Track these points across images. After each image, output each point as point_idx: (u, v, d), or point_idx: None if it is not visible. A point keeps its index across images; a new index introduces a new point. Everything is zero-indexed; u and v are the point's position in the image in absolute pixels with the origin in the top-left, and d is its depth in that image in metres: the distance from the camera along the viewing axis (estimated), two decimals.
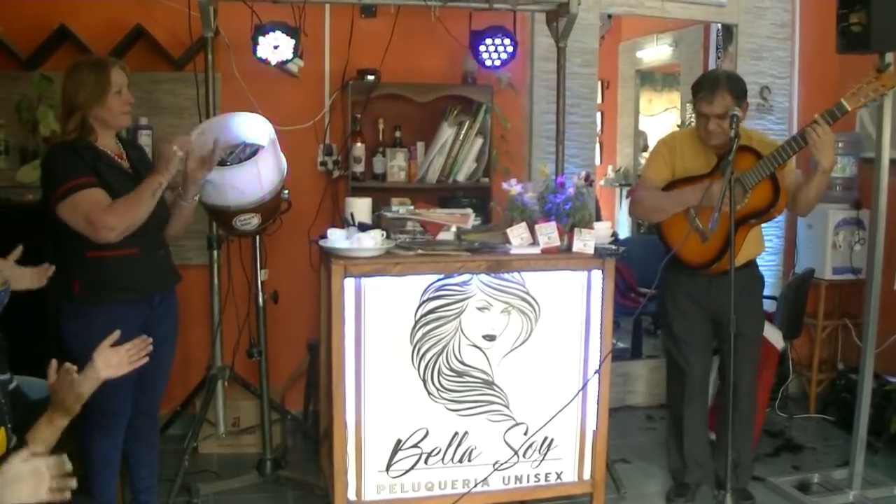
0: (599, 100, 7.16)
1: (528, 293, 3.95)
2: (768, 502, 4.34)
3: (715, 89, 3.86)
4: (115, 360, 2.75)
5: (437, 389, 3.92)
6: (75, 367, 2.60)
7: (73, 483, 2.21)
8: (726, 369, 3.97)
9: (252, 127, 3.79)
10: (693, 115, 7.60)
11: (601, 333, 4.04)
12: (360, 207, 4.11)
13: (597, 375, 4.06)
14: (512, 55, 4.75)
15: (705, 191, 3.72)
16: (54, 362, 2.62)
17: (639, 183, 4.27)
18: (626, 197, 8.94)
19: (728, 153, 3.53)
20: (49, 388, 2.60)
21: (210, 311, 4.63)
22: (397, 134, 5.17)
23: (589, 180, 4.13)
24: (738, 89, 3.87)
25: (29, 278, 3.09)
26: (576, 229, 3.93)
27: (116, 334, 2.75)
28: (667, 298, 4.20)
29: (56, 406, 2.57)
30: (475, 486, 4.01)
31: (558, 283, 4.00)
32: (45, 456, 2.22)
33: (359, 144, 5.04)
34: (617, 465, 4.60)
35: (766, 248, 4.32)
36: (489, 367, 3.96)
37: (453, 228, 4.08)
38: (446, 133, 5.10)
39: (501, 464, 4.03)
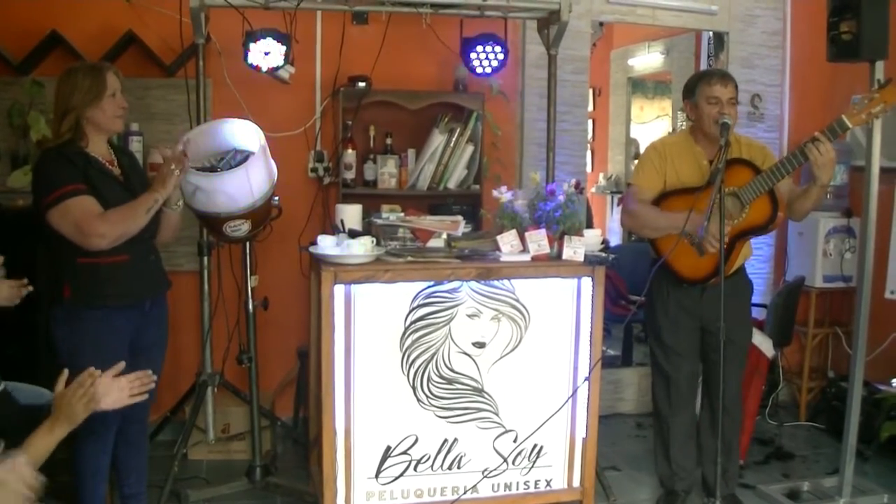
0: (591, 107, 7.20)
1: (517, 300, 3.96)
2: None
3: (727, 75, 3.96)
4: (114, 395, 2.69)
5: (427, 396, 3.92)
6: (96, 374, 2.60)
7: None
8: (713, 377, 3.97)
9: (242, 133, 3.79)
10: (684, 123, 7.69)
11: (591, 341, 4.04)
12: (351, 214, 4.11)
13: (586, 383, 4.06)
14: (503, 62, 4.74)
15: (687, 219, 3.68)
16: (66, 372, 2.61)
17: (630, 192, 4.18)
18: (618, 205, 8.96)
19: (717, 161, 3.53)
20: (56, 397, 2.57)
21: (200, 318, 4.63)
22: (388, 141, 5.17)
23: (579, 188, 4.13)
24: (737, 86, 3.95)
25: (7, 292, 3.11)
26: (566, 237, 3.94)
27: (121, 365, 2.71)
28: (657, 307, 4.17)
29: (60, 415, 2.55)
30: (464, 493, 4.01)
31: (548, 291, 4.00)
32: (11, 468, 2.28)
33: (350, 151, 5.04)
34: (607, 472, 4.60)
35: (755, 255, 4.31)
36: (479, 375, 3.96)
37: (444, 235, 4.08)
38: (437, 140, 5.10)
39: (491, 471, 4.03)
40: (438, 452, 3.98)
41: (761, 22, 5.81)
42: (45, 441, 2.52)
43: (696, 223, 3.60)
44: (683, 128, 7.67)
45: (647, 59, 8.56)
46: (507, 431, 4.04)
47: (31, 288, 3.17)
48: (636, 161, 8.91)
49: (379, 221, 4.14)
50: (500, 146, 5.44)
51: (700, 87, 3.91)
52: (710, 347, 3.81)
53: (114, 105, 3.43)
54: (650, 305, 4.21)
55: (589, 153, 8.08)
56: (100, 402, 2.61)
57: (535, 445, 4.08)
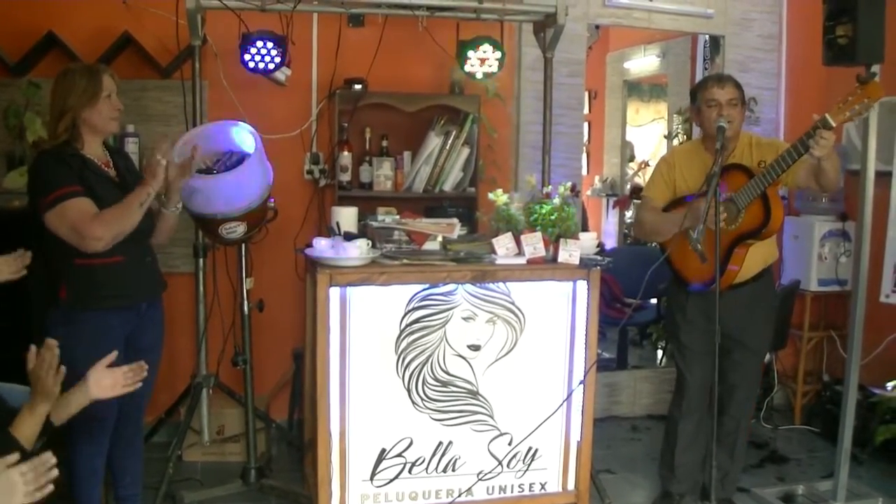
0: (587, 110, 7.19)
1: (513, 303, 3.96)
2: None
3: (723, 77, 3.98)
4: (108, 381, 2.75)
5: (422, 399, 3.92)
6: (55, 343, 2.64)
7: (49, 487, 2.20)
8: (721, 381, 3.95)
9: (238, 135, 3.79)
10: (680, 126, 7.71)
11: (586, 344, 4.04)
12: (347, 216, 4.11)
13: (581, 386, 4.06)
14: (499, 65, 4.74)
15: (685, 216, 3.71)
16: (33, 348, 2.63)
17: (642, 202, 4.26)
18: (614, 207, 8.97)
19: (714, 164, 3.54)
20: (30, 375, 2.59)
21: (195, 319, 4.63)
22: (384, 143, 5.17)
23: (575, 191, 4.14)
24: (741, 88, 3.94)
25: (6, 268, 3.11)
26: (561, 240, 3.93)
27: (113, 355, 2.74)
28: (675, 309, 4.19)
29: (36, 392, 2.58)
30: (459, 495, 4.01)
31: (543, 294, 4.00)
32: (17, 465, 2.18)
33: (345, 153, 5.04)
34: (602, 475, 4.58)
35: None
36: (474, 377, 3.96)
37: (439, 238, 4.07)
38: (433, 142, 5.10)
39: (485, 474, 4.03)
40: (433, 455, 3.98)
41: (757, 25, 5.82)
42: (28, 423, 2.57)
43: (692, 223, 3.62)
44: (679, 130, 7.78)
45: (643, 63, 8.56)
46: (501, 434, 4.04)
47: (29, 254, 3.16)
48: (631, 164, 8.97)
49: (374, 224, 4.13)
50: (496, 149, 5.44)
51: (699, 92, 3.95)
52: (724, 350, 3.80)
53: (109, 107, 3.43)
54: (669, 308, 4.22)
55: (584, 156, 8.10)
56: (90, 385, 2.73)
57: (529, 448, 4.08)
